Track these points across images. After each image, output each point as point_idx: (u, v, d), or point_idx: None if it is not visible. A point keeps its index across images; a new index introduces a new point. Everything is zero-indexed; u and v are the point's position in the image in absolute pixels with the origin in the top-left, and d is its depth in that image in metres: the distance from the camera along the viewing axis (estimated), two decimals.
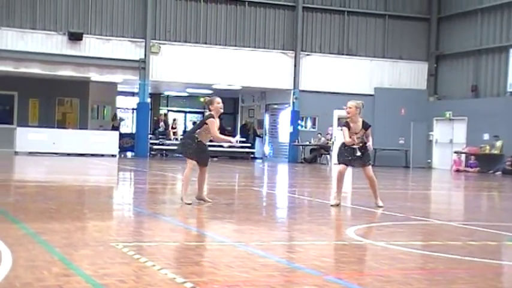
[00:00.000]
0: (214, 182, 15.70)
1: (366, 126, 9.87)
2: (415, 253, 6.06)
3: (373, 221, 8.16)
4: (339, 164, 10.07)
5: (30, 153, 24.94)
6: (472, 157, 27.04)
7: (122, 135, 29.85)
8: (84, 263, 4.96)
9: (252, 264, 5.08)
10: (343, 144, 9.98)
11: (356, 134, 9.78)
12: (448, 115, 29.01)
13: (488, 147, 27.02)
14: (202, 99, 9.28)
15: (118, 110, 32.81)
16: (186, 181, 9.49)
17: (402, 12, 30.33)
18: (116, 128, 29.65)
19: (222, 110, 9.40)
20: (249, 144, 31.33)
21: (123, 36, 27.28)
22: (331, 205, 9.63)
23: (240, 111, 35.41)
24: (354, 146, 9.75)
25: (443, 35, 30.34)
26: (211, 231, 7.02)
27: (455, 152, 28.09)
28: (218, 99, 9.44)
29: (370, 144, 9.89)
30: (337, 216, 9.35)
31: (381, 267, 5.25)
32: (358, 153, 9.74)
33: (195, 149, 9.30)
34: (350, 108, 9.84)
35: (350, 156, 9.83)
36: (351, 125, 9.81)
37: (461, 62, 29.44)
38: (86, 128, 28.97)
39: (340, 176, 9.78)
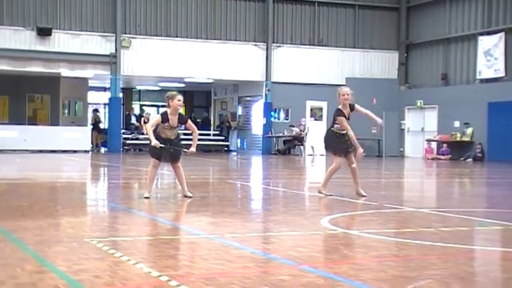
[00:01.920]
0: (188, 175, 15.63)
1: (352, 107, 9.74)
2: (389, 240, 6.12)
3: (347, 210, 8.22)
4: (337, 155, 9.79)
5: (1, 151, 24.62)
6: (444, 145, 27.34)
7: (98, 131, 29.67)
8: (58, 259, 4.92)
9: (227, 256, 5.09)
10: (335, 133, 9.83)
11: (348, 120, 9.80)
12: (419, 104, 29.28)
13: (459, 135, 27.33)
14: (166, 95, 8.83)
15: (93, 105, 32.52)
16: (148, 178, 9.32)
17: (372, 2, 30.48)
18: (96, 123, 29.47)
19: (180, 108, 9.10)
20: (223, 137, 31.31)
21: (93, 31, 27.03)
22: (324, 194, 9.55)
23: (213, 104, 35.33)
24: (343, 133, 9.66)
25: (413, 24, 30.58)
26: (186, 225, 7.01)
27: (427, 140, 28.37)
28: (179, 97, 9.11)
29: (373, 116, 9.86)
30: (312, 206, 9.39)
31: (355, 255, 5.29)
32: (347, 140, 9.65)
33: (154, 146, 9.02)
34: (348, 95, 9.79)
35: (345, 144, 9.76)
36: (344, 111, 9.78)
37: (431, 50, 29.70)
38: (58, 124, 28.68)
39: (338, 169, 9.75)
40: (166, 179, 15.04)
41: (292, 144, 29.13)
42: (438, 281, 4.34)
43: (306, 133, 28.72)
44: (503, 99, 25.19)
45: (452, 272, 4.69)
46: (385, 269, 4.72)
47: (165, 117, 9.02)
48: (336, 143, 9.77)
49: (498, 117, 25.39)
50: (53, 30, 26.20)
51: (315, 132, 29.27)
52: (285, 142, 29.31)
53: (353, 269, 4.74)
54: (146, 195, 9.15)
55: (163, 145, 9.02)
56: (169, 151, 9.17)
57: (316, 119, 30.01)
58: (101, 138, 30.23)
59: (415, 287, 4.17)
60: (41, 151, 25.08)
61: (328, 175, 9.79)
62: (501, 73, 25.91)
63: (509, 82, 25.53)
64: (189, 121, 9.40)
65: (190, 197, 9.33)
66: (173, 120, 9.02)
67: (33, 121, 29.08)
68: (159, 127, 9.12)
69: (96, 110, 30.93)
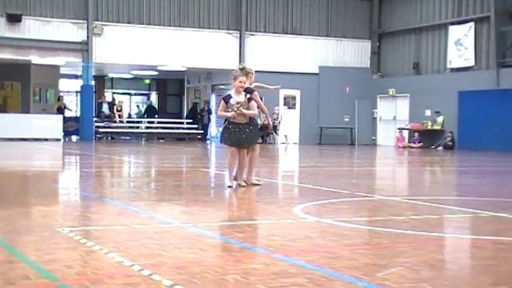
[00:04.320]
0: (161, 163, 15.61)
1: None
2: (361, 229, 6.16)
3: (320, 199, 8.25)
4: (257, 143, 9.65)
5: None
6: (416, 134, 27.59)
7: (66, 119, 29.37)
8: (28, 249, 4.87)
9: (200, 245, 5.08)
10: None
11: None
12: (391, 92, 29.48)
13: (430, 123, 27.60)
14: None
15: (62, 93, 32.20)
16: (228, 167, 9.37)
17: None
18: (60, 110, 29.16)
19: (241, 89, 9.03)
20: (196, 126, 31.23)
21: (64, 18, 26.70)
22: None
23: (186, 92, 35.22)
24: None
25: (385, 13, 30.72)
26: (159, 214, 6.99)
27: (399, 129, 28.60)
28: (241, 78, 9.07)
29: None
30: (285, 195, 9.42)
31: (328, 243, 5.32)
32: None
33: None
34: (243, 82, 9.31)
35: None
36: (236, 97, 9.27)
37: (403, 39, 29.90)
38: (29, 112, 28.34)
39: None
40: (139, 167, 14.97)
41: (266, 133, 29.15)
42: (409, 269, 4.38)
43: (279, 121, 28.76)
44: (473, 88, 25.48)
45: (423, 259, 4.74)
46: (357, 257, 4.75)
47: (227, 98, 9.06)
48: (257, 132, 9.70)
49: (468, 106, 25.69)
50: (23, 17, 25.82)
51: (289, 121, 29.36)
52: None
53: (325, 257, 4.76)
54: (228, 184, 9.24)
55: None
56: (242, 135, 9.10)
57: (289, 108, 30.08)
58: (70, 126, 29.97)
59: (385, 275, 4.21)
60: (11, 139, 24.77)
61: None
62: (471, 62, 26.19)
63: (479, 71, 25.84)
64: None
65: (254, 185, 9.21)
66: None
67: (3, 109, 28.70)
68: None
69: (60, 97, 30.60)
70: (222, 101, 9.28)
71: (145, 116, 34.03)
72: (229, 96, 9.20)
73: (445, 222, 7.00)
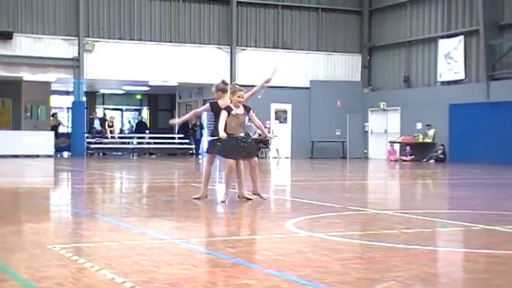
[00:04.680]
0: (153, 179, 15.58)
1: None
2: (353, 243, 6.16)
3: (312, 213, 8.25)
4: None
5: None
6: (408, 147, 27.64)
7: (57, 135, 29.32)
8: (20, 267, 4.85)
9: (192, 261, 5.07)
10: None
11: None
12: (382, 106, 29.59)
13: (421, 136, 27.69)
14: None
15: (53, 109, 32.16)
16: (225, 181, 9.38)
17: (335, 5, 30.71)
18: (54, 127, 29.11)
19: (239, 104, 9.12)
20: (187, 140, 31.20)
21: (55, 34, 26.71)
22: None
23: (177, 107, 35.21)
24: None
25: (375, 27, 30.90)
26: (150, 229, 6.96)
27: (390, 142, 28.67)
28: (241, 92, 9.20)
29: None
30: (277, 209, 9.41)
31: (320, 258, 5.31)
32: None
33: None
34: (213, 94, 9.42)
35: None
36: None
37: (393, 53, 30.05)
38: (20, 129, 28.25)
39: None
40: (131, 182, 14.92)
41: (257, 147, 29.15)
42: (401, 283, 4.38)
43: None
44: (463, 101, 25.60)
45: (415, 273, 4.74)
46: (349, 272, 4.75)
47: (229, 109, 9.07)
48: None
49: (459, 119, 25.80)
50: (14, 34, 25.82)
51: (280, 135, 29.37)
52: None
53: (317, 272, 4.76)
54: (222, 198, 9.17)
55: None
56: (243, 147, 9.08)
57: (280, 122, 30.12)
58: (62, 142, 29.91)
59: None
60: (2, 156, 24.66)
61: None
62: (461, 75, 26.33)
63: (469, 84, 25.97)
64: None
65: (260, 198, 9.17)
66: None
67: None
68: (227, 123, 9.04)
69: (54, 114, 30.62)
70: (225, 112, 9.20)
71: (136, 131, 34.05)
72: (231, 108, 9.21)
73: (437, 235, 7.01)
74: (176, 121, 9.72)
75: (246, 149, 9.20)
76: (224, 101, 9.47)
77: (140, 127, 34.70)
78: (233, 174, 9.22)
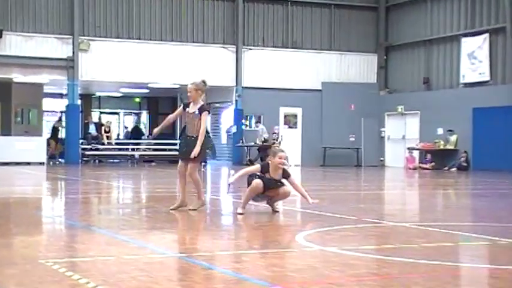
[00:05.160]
0: (152, 188, 15.61)
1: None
2: (368, 258, 6.16)
3: (324, 225, 8.25)
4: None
5: None
6: (428, 155, 27.55)
7: (58, 141, 29.48)
8: (10, 283, 4.86)
9: (195, 277, 5.08)
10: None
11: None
12: (399, 109, 29.56)
13: (442, 143, 27.64)
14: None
15: (58, 112, 32.40)
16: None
17: (349, 1, 30.74)
18: (56, 131, 29.38)
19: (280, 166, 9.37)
20: None
21: (48, 33, 26.84)
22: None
23: None
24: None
25: (393, 24, 30.90)
26: (150, 243, 6.98)
27: (409, 149, 28.63)
28: (281, 153, 9.33)
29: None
30: (286, 221, 9.41)
31: (332, 274, 5.31)
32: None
33: None
34: (190, 92, 9.59)
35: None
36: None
37: (412, 53, 30.04)
38: (10, 134, 28.35)
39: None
40: (129, 192, 14.96)
41: (265, 154, 29.13)
42: None
43: (280, 142, 28.76)
44: (488, 104, 25.55)
45: None
46: None
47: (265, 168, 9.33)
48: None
49: (483, 124, 25.74)
50: (3, 32, 25.94)
51: (289, 141, 29.37)
52: (259, 149, 29.28)
53: None
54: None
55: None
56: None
57: (290, 127, 30.14)
58: (59, 148, 30.04)
59: None
60: None
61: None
62: (486, 77, 26.28)
63: (495, 86, 25.92)
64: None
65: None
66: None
67: None
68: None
69: (60, 118, 31.04)
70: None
71: (131, 138, 34.09)
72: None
73: (460, 250, 7.00)
74: (155, 131, 9.83)
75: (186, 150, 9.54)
76: (196, 103, 9.54)
77: (136, 133, 34.82)
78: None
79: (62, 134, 30.94)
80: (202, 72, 28.63)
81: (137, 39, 27.98)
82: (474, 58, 26.79)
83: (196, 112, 9.56)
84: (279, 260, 5.94)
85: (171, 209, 9.55)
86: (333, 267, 5.58)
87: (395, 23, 30.76)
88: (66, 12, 27.01)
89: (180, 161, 9.85)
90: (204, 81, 9.96)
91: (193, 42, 28.67)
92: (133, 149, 31.52)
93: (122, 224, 8.65)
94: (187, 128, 9.66)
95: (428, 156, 27.55)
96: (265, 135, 28.59)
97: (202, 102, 9.65)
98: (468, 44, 27.03)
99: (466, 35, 27.24)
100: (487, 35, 26.33)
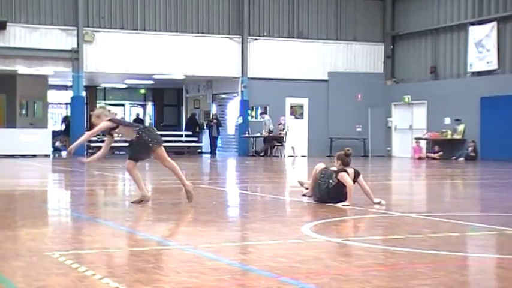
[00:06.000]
0: (158, 180, 15.63)
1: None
2: (375, 248, 6.17)
3: (330, 216, 8.26)
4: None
5: None
6: (436, 146, 27.47)
7: (55, 133, 29.51)
8: (16, 275, 4.90)
9: (201, 268, 5.10)
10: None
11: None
12: (406, 99, 29.51)
13: (449, 132, 27.59)
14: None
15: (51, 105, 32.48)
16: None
17: None
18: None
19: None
20: (195, 139, 31.28)
21: (52, 24, 26.84)
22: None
23: (185, 102, 35.32)
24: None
25: (399, 13, 30.80)
26: (156, 235, 7.01)
27: (416, 139, 28.59)
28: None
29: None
30: (292, 212, 9.44)
31: (339, 265, 5.33)
32: None
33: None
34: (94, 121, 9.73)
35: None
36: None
37: (419, 42, 29.95)
38: (15, 127, 28.43)
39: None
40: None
41: (271, 145, 29.18)
42: None
43: (286, 133, 28.79)
44: (496, 93, 25.47)
45: (443, 281, 4.75)
46: (370, 280, 4.76)
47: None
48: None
49: (491, 113, 25.68)
50: (7, 24, 25.96)
51: (295, 132, 29.38)
52: (264, 140, 29.28)
53: (336, 279, 4.78)
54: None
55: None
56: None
57: (296, 117, 30.12)
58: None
59: None
60: None
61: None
62: (494, 65, 26.20)
63: (503, 75, 25.84)
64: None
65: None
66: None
67: None
68: None
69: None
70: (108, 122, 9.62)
71: None
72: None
73: (467, 240, 7.01)
74: (72, 147, 10.03)
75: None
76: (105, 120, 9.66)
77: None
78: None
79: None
80: (207, 63, 28.70)
81: (142, 30, 27.96)
82: (482, 47, 26.70)
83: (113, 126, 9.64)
84: (285, 251, 5.95)
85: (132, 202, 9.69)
86: (339, 258, 5.60)
87: (402, 11, 30.66)
88: (70, 4, 27.01)
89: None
90: (102, 106, 10.64)
91: (198, 33, 28.64)
92: None
93: (127, 216, 8.68)
94: (126, 137, 10.00)
95: (436, 148, 27.48)
96: (271, 126, 28.60)
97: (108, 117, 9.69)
98: (476, 33, 26.93)
99: (473, 23, 27.13)
100: (494, 23, 26.23)
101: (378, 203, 9.42)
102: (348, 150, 9.78)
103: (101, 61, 27.55)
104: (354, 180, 9.47)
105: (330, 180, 9.44)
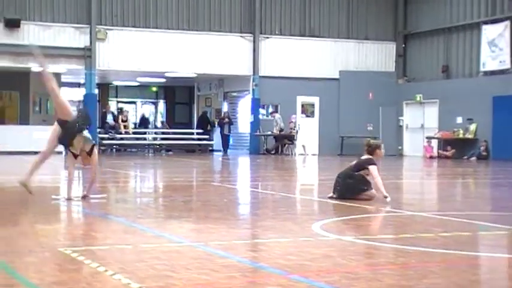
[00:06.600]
0: (170, 177, 15.70)
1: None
2: (385, 247, 6.17)
3: (341, 215, 8.27)
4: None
5: None
6: (448, 147, 27.35)
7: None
8: (29, 271, 4.94)
9: (211, 266, 5.12)
10: None
11: None
12: (418, 98, 29.42)
13: (461, 132, 27.49)
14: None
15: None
16: None
17: None
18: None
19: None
20: (207, 136, 31.30)
21: (65, 22, 26.93)
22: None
23: (196, 100, 35.35)
24: None
25: (411, 12, 30.69)
26: (167, 232, 7.04)
27: (427, 138, 28.51)
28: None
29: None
30: (303, 210, 9.45)
31: (349, 263, 5.34)
32: None
33: None
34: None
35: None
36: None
37: (431, 41, 29.84)
38: (28, 124, 28.56)
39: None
40: (146, 181, 15.05)
41: (282, 143, 29.19)
42: None
43: (297, 131, 28.78)
44: (509, 92, 25.34)
45: (453, 280, 4.75)
46: (380, 278, 4.77)
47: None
48: None
49: (504, 112, 25.55)
50: (21, 22, 26.08)
51: (306, 130, 29.36)
52: (276, 139, 29.26)
53: (346, 277, 4.79)
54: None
55: None
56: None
57: (307, 116, 30.09)
58: None
59: None
60: (10, 153, 24.96)
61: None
62: (507, 65, 26.06)
63: None
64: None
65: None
66: None
67: (0, 120, 28.94)
68: None
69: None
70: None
71: (140, 127, 34.19)
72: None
73: (478, 239, 7.00)
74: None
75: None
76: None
77: (143, 123, 35.00)
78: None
79: None
80: (219, 61, 28.72)
81: (154, 28, 28.00)
82: (495, 46, 26.58)
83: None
84: (295, 249, 5.97)
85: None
86: (350, 256, 5.61)
87: (414, 10, 30.55)
88: (83, 2, 27.09)
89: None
90: None
91: (210, 31, 28.66)
92: (154, 138, 31.76)
93: (139, 213, 8.72)
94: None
95: (449, 148, 27.36)
96: (282, 125, 28.60)
97: None
98: (488, 32, 26.81)
99: (486, 22, 27.01)
100: (508, 22, 26.09)
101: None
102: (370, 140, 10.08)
103: (114, 59, 27.62)
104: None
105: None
